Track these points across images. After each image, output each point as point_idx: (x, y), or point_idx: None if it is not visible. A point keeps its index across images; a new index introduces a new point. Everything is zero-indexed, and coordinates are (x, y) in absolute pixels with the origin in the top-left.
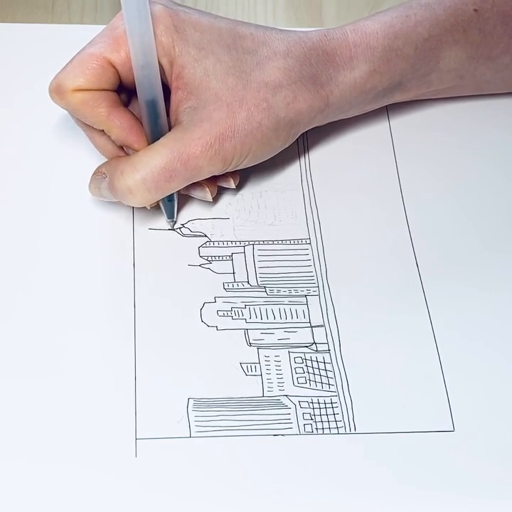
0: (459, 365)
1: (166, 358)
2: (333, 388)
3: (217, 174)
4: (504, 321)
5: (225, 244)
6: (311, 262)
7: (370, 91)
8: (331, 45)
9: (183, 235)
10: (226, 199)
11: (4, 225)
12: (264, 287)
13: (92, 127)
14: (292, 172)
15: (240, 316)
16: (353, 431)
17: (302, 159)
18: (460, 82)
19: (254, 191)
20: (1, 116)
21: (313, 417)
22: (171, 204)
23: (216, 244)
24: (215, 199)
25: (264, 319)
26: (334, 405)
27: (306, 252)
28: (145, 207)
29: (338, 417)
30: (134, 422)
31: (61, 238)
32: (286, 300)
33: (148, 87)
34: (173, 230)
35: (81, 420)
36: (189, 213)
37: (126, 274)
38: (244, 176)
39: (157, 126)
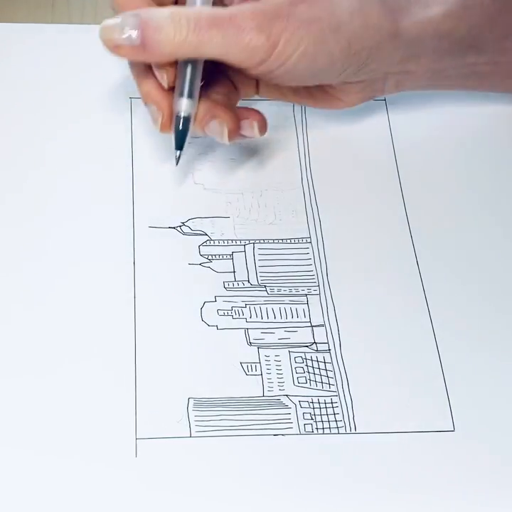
0: (459, 365)
1: (166, 358)
2: (333, 388)
3: (256, 64)
4: (504, 320)
5: (226, 243)
6: (311, 261)
7: (445, 37)
8: None
9: (184, 234)
10: (226, 198)
11: (3, 224)
12: (265, 286)
13: (143, 70)
14: (292, 170)
15: (241, 316)
16: (353, 431)
17: (302, 158)
18: None
19: (255, 190)
20: (0, 116)
21: (313, 417)
22: (184, 132)
23: (216, 242)
24: (216, 198)
25: (265, 318)
26: (334, 405)
27: (306, 251)
28: (147, 207)
29: (338, 417)
30: (134, 422)
31: (60, 236)
32: (286, 299)
33: None
34: (174, 228)
35: (81, 420)
36: (189, 212)
37: (126, 273)
38: (244, 175)
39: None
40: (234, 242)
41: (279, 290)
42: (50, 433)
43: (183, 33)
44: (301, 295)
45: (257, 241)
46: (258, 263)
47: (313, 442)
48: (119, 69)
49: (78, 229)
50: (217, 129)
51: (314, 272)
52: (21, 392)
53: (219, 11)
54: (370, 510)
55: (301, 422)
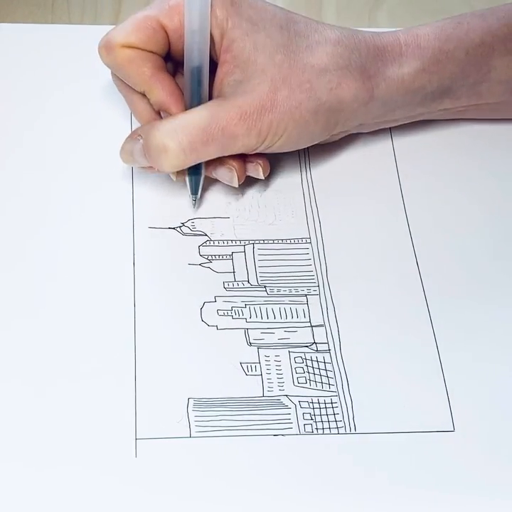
0: (459, 365)
1: (166, 358)
2: (333, 388)
3: (249, 151)
4: (504, 320)
5: (225, 244)
6: (311, 261)
7: (418, 91)
8: (382, 41)
9: (184, 234)
10: (226, 198)
11: (4, 224)
12: (265, 286)
13: (133, 89)
14: (292, 171)
15: (240, 316)
16: (353, 431)
17: (302, 158)
18: (511, 97)
19: (255, 190)
20: (0, 117)
21: (313, 417)
22: (197, 178)
23: (216, 243)
24: (216, 198)
25: (265, 319)
26: (334, 405)
27: (306, 251)
28: (147, 207)
29: (338, 417)
30: (134, 422)
31: (60, 237)
32: (286, 299)
33: (196, 53)
34: (174, 228)
35: (81, 420)
36: (189, 212)
37: (126, 274)
38: None
39: (198, 94)
40: (234, 242)
41: (278, 290)
42: (50, 433)
43: (182, 156)
44: (301, 295)
45: (257, 241)
46: (258, 263)
47: (313, 442)
48: None
49: (78, 229)
50: (227, 175)
51: (314, 273)
52: (21, 392)
53: (209, 119)
54: (370, 510)
55: (301, 422)
